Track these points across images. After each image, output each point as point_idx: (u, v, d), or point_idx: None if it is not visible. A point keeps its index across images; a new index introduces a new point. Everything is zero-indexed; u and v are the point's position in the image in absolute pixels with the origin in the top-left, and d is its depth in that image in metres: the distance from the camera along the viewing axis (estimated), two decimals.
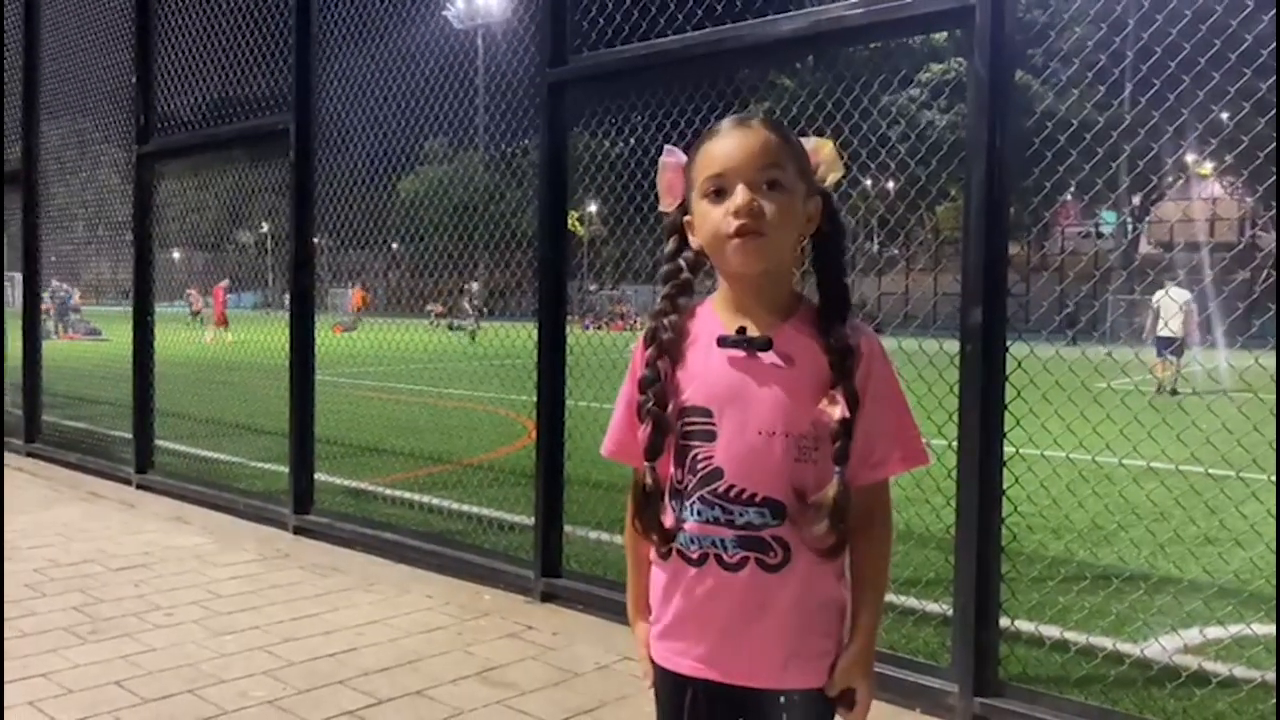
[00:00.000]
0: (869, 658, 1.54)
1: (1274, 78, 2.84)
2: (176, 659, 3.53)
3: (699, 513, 1.49)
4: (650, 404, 1.51)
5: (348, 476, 6.37)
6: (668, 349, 1.52)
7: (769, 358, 1.47)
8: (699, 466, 1.49)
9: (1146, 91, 3.52)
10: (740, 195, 1.43)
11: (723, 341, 1.49)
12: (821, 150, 1.54)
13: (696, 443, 1.49)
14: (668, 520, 1.53)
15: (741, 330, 1.49)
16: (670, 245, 1.59)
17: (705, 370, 1.50)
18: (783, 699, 1.51)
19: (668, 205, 1.59)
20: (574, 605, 4.21)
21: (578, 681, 3.43)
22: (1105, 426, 3.68)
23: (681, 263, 1.57)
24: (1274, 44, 2.96)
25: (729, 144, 1.47)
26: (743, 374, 1.48)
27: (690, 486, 1.50)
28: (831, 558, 1.49)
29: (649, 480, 1.52)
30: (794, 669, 1.50)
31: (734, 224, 1.43)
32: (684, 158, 1.56)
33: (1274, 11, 3.00)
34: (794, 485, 1.46)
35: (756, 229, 1.43)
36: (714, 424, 1.48)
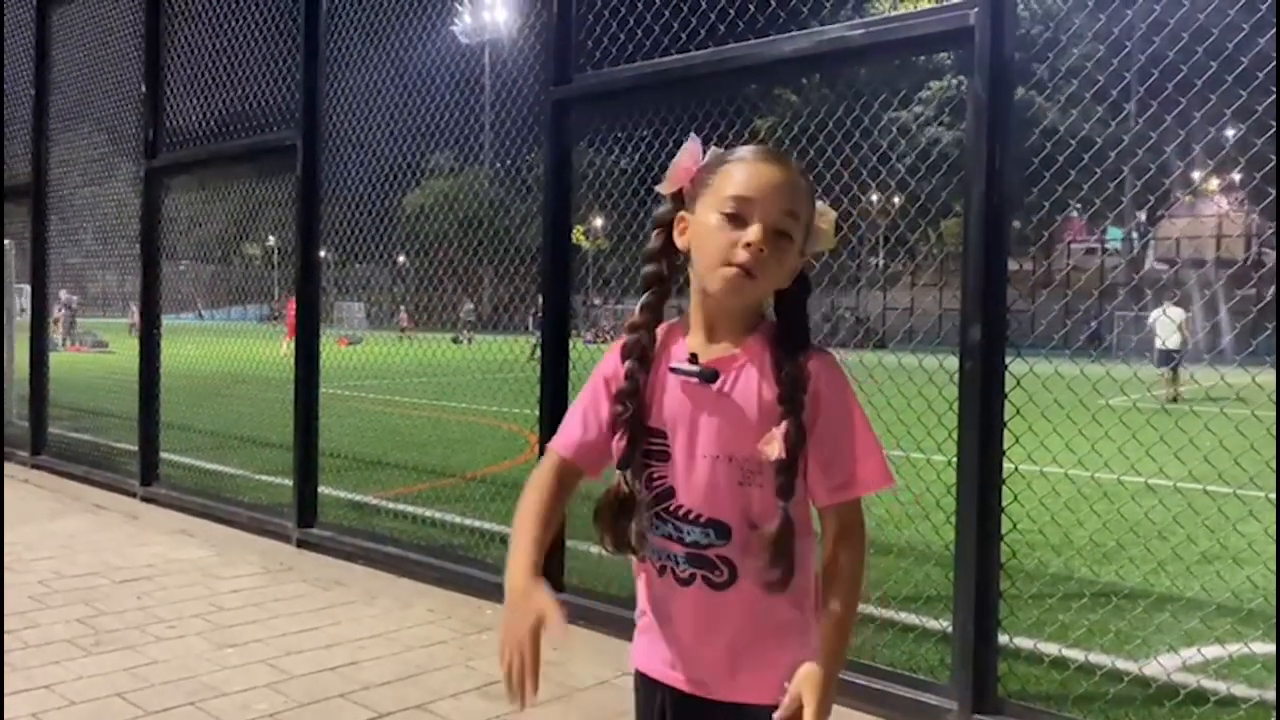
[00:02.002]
0: (823, 677, 1.47)
1: (1272, 98, 2.87)
2: (179, 671, 3.55)
3: (656, 528, 1.55)
4: (627, 414, 1.53)
5: (351, 490, 6.40)
6: (647, 364, 1.55)
7: (717, 384, 1.50)
8: (654, 484, 1.54)
9: (1146, 110, 3.55)
10: (755, 233, 1.44)
11: (675, 370, 1.53)
12: (823, 219, 1.55)
13: (653, 462, 1.54)
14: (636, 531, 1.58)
15: (694, 359, 1.51)
16: (656, 241, 1.58)
17: (662, 392, 1.54)
18: (743, 712, 1.53)
19: (668, 189, 1.57)
20: (574, 620, 4.21)
21: (577, 697, 3.45)
22: (1104, 444, 3.70)
23: (664, 265, 1.57)
24: (1273, 64, 2.99)
25: (763, 173, 1.47)
26: (692, 399, 1.52)
27: (648, 502, 1.55)
28: (777, 592, 1.48)
29: (624, 488, 1.54)
30: (744, 684, 1.54)
31: (740, 256, 1.44)
32: (701, 153, 1.55)
33: (1273, 32, 3.03)
34: (739, 509, 1.49)
35: (754, 273, 1.45)
36: (668, 445, 1.53)
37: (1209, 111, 3.34)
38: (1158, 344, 14.57)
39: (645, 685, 1.63)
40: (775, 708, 1.50)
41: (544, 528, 1.55)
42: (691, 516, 1.51)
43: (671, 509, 1.52)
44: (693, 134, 1.58)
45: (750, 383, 1.49)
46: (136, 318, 6.88)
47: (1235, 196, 31.03)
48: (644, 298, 1.57)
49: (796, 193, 1.48)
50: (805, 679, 1.47)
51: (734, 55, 3.83)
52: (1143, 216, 33.38)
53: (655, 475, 1.53)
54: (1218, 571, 4.32)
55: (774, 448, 1.44)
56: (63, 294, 10.79)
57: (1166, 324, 14.43)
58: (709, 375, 1.50)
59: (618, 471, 1.55)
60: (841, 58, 3.69)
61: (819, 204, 1.54)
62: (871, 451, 1.52)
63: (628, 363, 1.55)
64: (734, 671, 1.53)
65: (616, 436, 1.55)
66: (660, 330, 1.57)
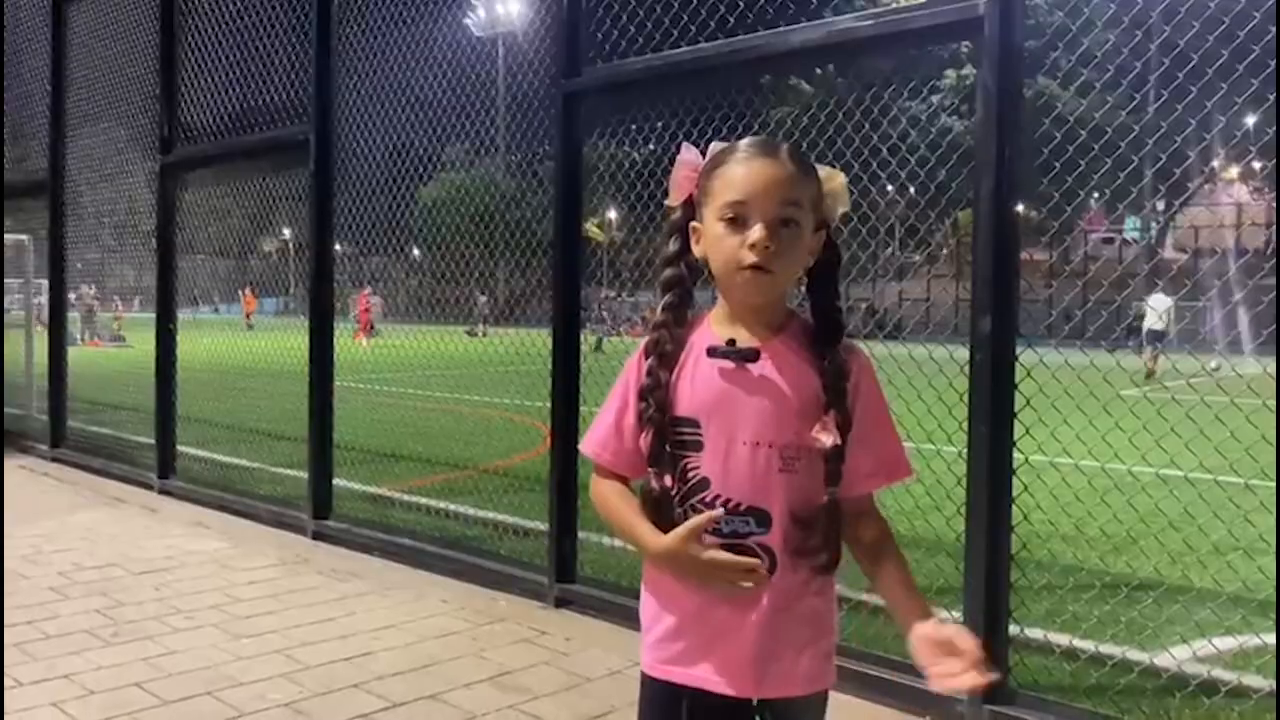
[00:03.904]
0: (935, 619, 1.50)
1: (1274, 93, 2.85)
2: (196, 662, 3.59)
3: (688, 520, 1.52)
4: (651, 411, 1.54)
5: (366, 482, 6.44)
6: (669, 361, 1.56)
7: (757, 369, 1.51)
8: (688, 476, 1.53)
9: (1163, 98, 3.54)
10: (758, 233, 1.46)
11: (712, 352, 1.53)
12: (832, 182, 1.56)
13: (686, 452, 1.53)
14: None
15: (731, 342, 1.52)
16: (672, 247, 1.60)
17: (694, 381, 1.54)
18: (768, 710, 1.54)
19: (675, 200, 1.60)
20: (587, 611, 4.24)
21: (590, 686, 3.47)
22: (1115, 435, 3.69)
23: (683, 268, 1.59)
24: (1275, 60, 2.97)
25: (753, 172, 1.48)
26: (730, 385, 1.51)
27: (680, 494, 1.53)
28: (826, 573, 1.54)
29: (655, 486, 1.55)
30: (782, 679, 1.53)
31: (749, 258, 1.46)
32: (700, 160, 1.57)
33: (1274, 28, 3.02)
34: (780, 496, 1.50)
35: (768, 268, 1.47)
36: (701, 434, 1.52)
37: (1213, 102, 3.33)
38: (1145, 325, 16.78)
39: (665, 694, 1.58)
40: (803, 700, 1.55)
41: (623, 496, 1.61)
42: (730, 505, 1.50)
43: (707, 499, 1.51)
44: (685, 144, 1.59)
45: (789, 370, 1.51)
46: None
47: (1252, 184, 30.77)
48: (665, 299, 1.59)
49: (792, 180, 1.49)
50: (936, 630, 1.46)
51: (743, 46, 3.84)
52: (1160, 205, 33.10)
53: (689, 466, 1.53)
54: (1229, 562, 4.31)
55: (827, 436, 1.47)
56: (83, 287, 10.87)
57: (1152, 311, 16.73)
58: (748, 354, 1.50)
59: (649, 469, 1.55)
60: (851, 49, 3.71)
61: (823, 170, 1.56)
62: (899, 444, 1.58)
63: (649, 360, 1.56)
64: (766, 663, 1.52)
65: (642, 434, 1.56)
66: (691, 324, 1.59)
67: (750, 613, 1.51)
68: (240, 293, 11.60)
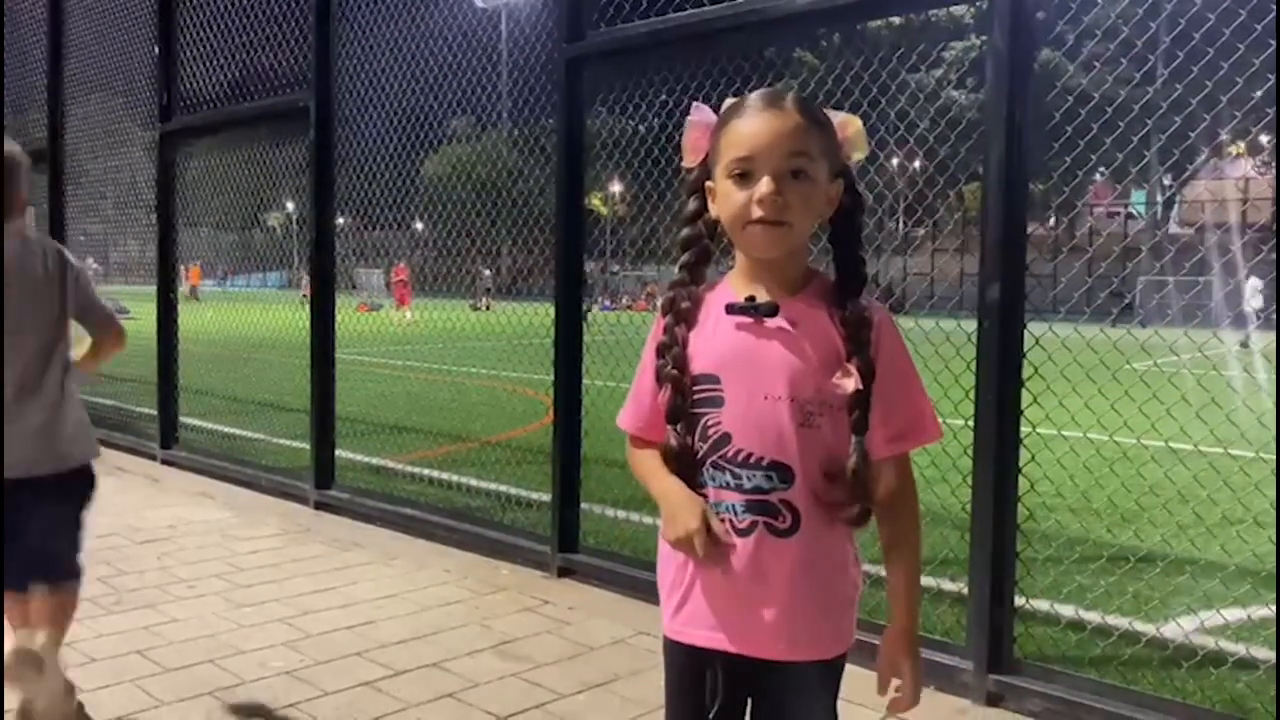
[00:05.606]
0: (912, 636, 1.57)
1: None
2: (198, 630, 3.58)
3: (712, 478, 1.51)
4: (669, 368, 1.53)
5: (370, 453, 6.43)
6: (685, 317, 1.55)
7: (775, 323, 1.49)
8: (709, 433, 1.51)
9: (1173, 66, 3.47)
10: (765, 186, 1.44)
11: (730, 308, 1.51)
12: (849, 127, 1.54)
13: (706, 409, 1.51)
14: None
15: (751, 298, 1.50)
16: (691, 205, 1.59)
17: (714, 338, 1.52)
18: (791, 670, 1.52)
19: (690, 162, 1.59)
20: (590, 580, 4.23)
21: (592, 655, 3.46)
22: (1124, 404, 3.65)
23: (701, 226, 1.58)
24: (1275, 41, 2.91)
25: (758, 126, 1.46)
26: (749, 339, 1.50)
27: (703, 453, 1.52)
28: (857, 526, 1.51)
29: (673, 442, 1.53)
30: (802, 641, 1.52)
31: (757, 212, 1.45)
32: (712, 117, 1.56)
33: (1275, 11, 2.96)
34: (802, 451, 1.47)
35: (778, 220, 1.45)
36: (721, 390, 1.50)
37: (1229, 64, 3.27)
38: (1247, 306, 17.42)
39: (690, 659, 1.56)
40: (827, 663, 1.54)
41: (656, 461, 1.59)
42: (752, 461, 1.48)
43: (729, 455, 1.49)
44: (696, 103, 1.58)
45: (810, 325, 1.49)
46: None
47: (1260, 158, 30.55)
48: (683, 258, 1.58)
49: (799, 131, 1.46)
50: (896, 645, 1.58)
51: (751, 9, 3.77)
52: (1167, 180, 32.89)
53: (710, 423, 1.51)
54: (1238, 533, 4.27)
55: (850, 381, 1.45)
56: (89, 259, 10.84)
57: (1251, 291, 17.48)
58: (767, 309, 1.49)
59: (668, 426, 1.54)
60: (861, 10, 3.65)
61: (838, 116, 1.54)
62: (927, 403, 1.56)
63: (666, 317, 1.56)
64: (792, 625, 1.50)
65: (660, 392, 1.54)
66: (711, 284, 1.58)
67: (778, 569, 1.49)
68: (184, 266, 11.57)
